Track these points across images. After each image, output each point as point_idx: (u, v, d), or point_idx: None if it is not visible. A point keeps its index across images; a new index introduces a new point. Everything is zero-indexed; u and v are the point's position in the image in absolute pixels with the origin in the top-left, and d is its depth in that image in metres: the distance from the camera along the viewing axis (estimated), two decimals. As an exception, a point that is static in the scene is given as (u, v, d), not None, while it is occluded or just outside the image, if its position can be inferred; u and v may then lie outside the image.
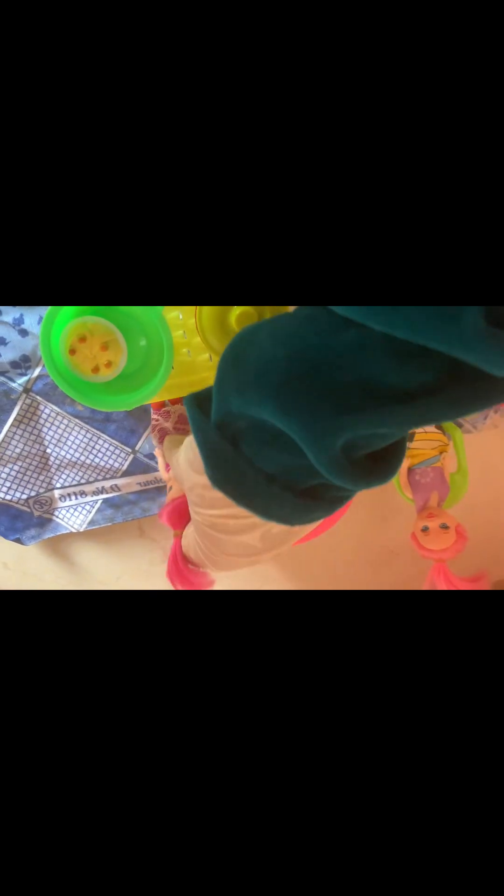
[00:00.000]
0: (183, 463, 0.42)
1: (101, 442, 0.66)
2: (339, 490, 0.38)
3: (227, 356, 0.37)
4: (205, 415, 0.38)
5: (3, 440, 0.64)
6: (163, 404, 0.61)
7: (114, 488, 0.71)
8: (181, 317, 0.52)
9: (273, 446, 0.36)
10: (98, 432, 0.66)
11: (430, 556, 0.60)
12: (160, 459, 0.61)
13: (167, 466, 0.57)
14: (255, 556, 0.44)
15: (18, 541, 0.70)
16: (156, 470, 0.69)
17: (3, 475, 0.66)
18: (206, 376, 0.55)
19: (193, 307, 0.50)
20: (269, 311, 0.48)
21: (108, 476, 0.69)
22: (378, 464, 0.37)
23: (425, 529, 0.60)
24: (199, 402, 0.40)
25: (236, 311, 0.47)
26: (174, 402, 0.62)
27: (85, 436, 0.66)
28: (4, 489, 0.66)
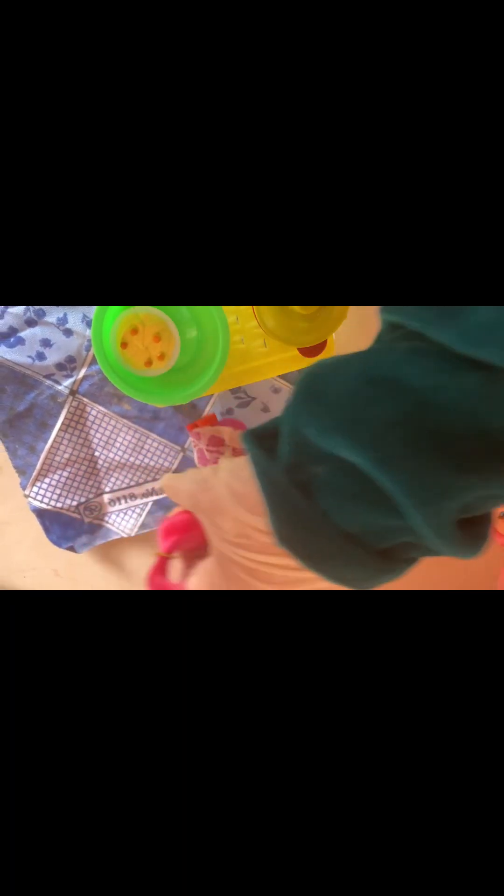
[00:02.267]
0: (226, 494, 0.34)
1: (149, 441, 0.64)
2: (421, 551, 0.32)
3: (303, 389, 0.31)
4: (267, 454, 0.32)
5: (51, 446, 0.62)
6: (194, 425, 0.58)
7: (163, 489, 0.68)
8: (234, 302, 0.50)
9: (359, 501, 0.29)
10: (146, 431, 0.63)
11: (513, 544, 0.55)
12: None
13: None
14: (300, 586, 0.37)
15: (71, 549, 0.68)
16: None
17: (54, 482, 0.64)
18: (260, 364, 0.52)
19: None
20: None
21: (157, 476, 0.67)
22: (475, 528, 0.31)
23: (503, 516, 0.55)
24: (259, 439, 0.33)
25: (299, 289, 0.43)
26: (202, 422, 0.58)
27: (133, 436, 0.63)
28: (55, 496, 0.65)
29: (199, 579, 0.39)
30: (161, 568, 0.41)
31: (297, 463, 0.31)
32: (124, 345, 0.47)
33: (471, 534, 0.30)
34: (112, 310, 0.46)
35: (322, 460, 0.30)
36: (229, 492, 0.34)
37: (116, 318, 0.46)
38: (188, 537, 0.39)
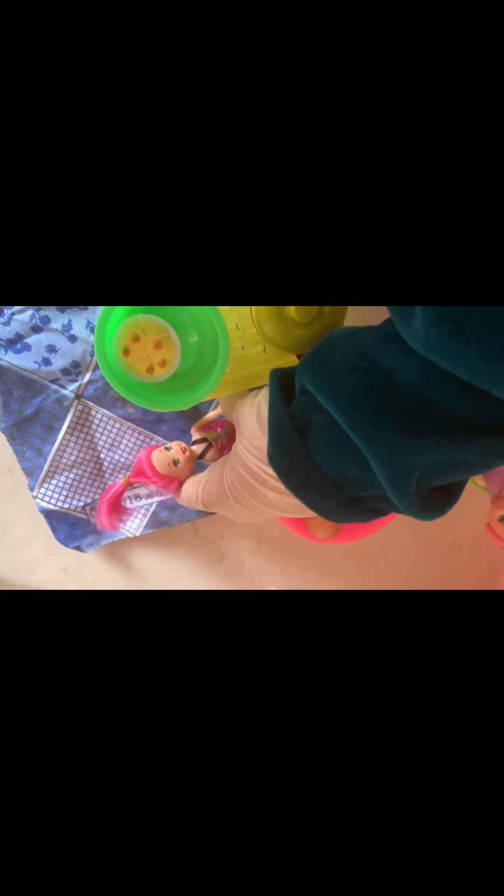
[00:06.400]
0: (252, 417, 0.43)
1: (153, 444, 0.65)
2: (384, 503, 0.39)
3: (314, 354, 0.38)
4: (284, 394, 0.39)
5: (58, 449, 0.63)
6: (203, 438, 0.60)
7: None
8: (233, 308, 0.50)
9: (337, 451, 0.36)
10: (150, 433, 0.64)
11: (511, 546, 0.56)
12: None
13: (222, 453, 0.59)
14: (279, 514, 0.45)
15: (78, 548, 0.70)
16: (209, 469, 0.68)
17: (60, 484, 0.66)
18: (260, 370, 0.53)
19: (247, 297, 0.48)
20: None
21: (161, 478, 0.68)
22: (443, 496, 0.38)
23: (503, 519, 0.55)
24: (282, 380, 0.41)
25: (296, 298, 0.44)
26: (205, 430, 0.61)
27: (138, 438, 0.65)
28: (62, 498, 0.66)
29: (197, 477, 0.54)
30: (121, 492, 0.60)
31: (299, 408, 0.38)
32: (126, 352, 0.48)
33: (438, 500, 0.37)
34: (114, 318, 0.47)
35: (318, 410, 0.36)
36: (256, 416, 0.43)
37: (118, 325, 0.47)
38: (146, 478, 0.57)
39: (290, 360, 0.51)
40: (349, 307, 0.46)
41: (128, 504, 0.66)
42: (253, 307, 0.46)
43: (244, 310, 0.49)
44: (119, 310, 0.47)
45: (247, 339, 0.51)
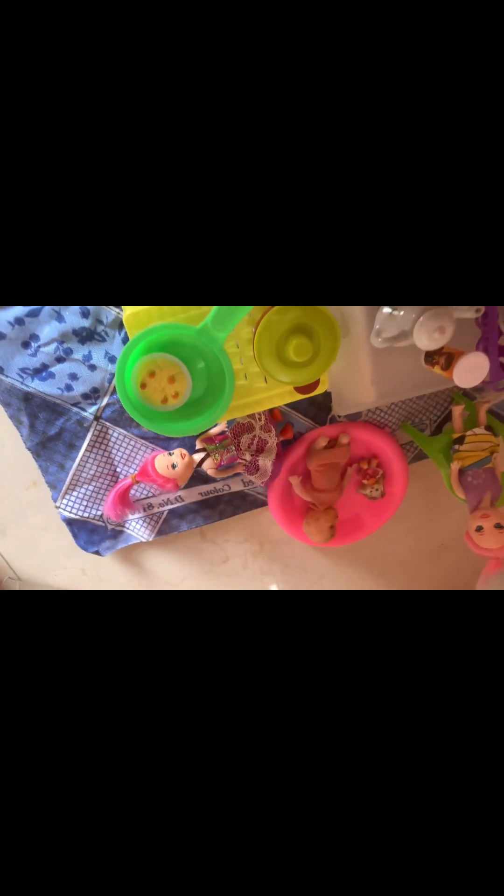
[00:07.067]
0: None
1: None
2: None
3: None
4: None
5: (78, 464, 0.70)
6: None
7: (178, 499, 0.76)
8: (238, 345, 0.56)
9: None
10: (162, 450, 0.71)
11: (486, 554, 0.62)
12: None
13: (216, 466, 0.68)
14: None
15: (97, 553, 0.77)
16: (214, 481, 0.74)
17: (81, 495, 0.72)
18: (261, 398, 0.59)
19: (251, 338, 0.54)
20: (324, 345, 0.51)
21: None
22: None
23: (479, 529, 0.62)
24: None
25: (293, 343, 0.50)
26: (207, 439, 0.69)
27: (150, 454, 0.71)
28: (82, 507, 0.73)
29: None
30: (128, 487, 0.68)
31: None
32: (143, 385, 0.54)
33: None
34: (133, 355, 0.53)
35: None
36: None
37: (136, 362, 0.53)
38: (149, 477, 0.66)
39: (287, 389, 0.57)
40: (338, 352, 0.52)
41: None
42: (255, 346, 0.52)
43: (248, 349, 0.55)
44: (137, 349, 0.53)
45: (250, 372, 0.58)
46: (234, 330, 0.50)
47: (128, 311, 0.53)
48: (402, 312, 0.50)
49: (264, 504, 0.78)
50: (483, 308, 0.48)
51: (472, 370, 0.49)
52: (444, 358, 0.52)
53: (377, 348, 0.53)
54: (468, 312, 0.48)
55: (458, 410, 0.65)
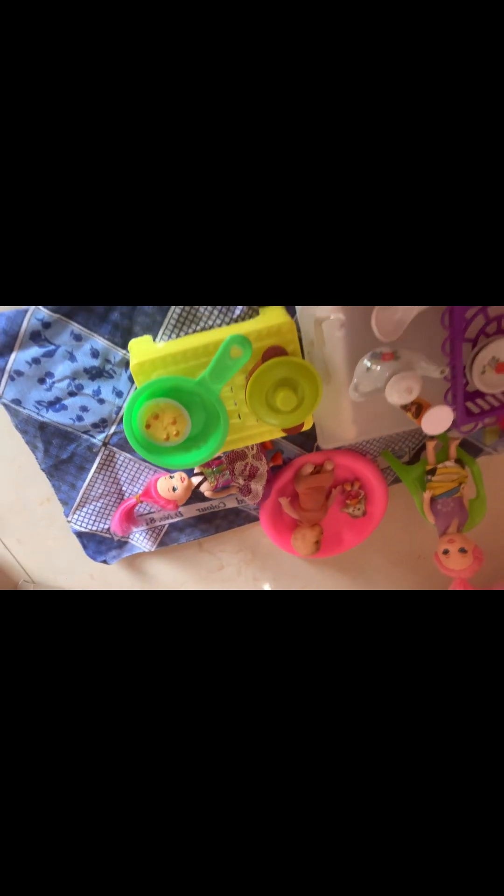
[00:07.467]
0: None
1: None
2: None
3: None
4: None
5: (88, 484, 0.77)
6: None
7: (178, 514, 0.84)
8: (232, 390, 0.63)
9: None
10: (163, 472, 0.78)
11: (451, 574, 0.70)
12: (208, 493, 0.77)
13: (213, 488, 0.76)
14: None
15: (104, 562, 0.85)
16: (210, 500, 0.82)
17: (90, 511, 0.80)
18: (252, 433, 0.66)
19: (244, 384, 0.60)
20: (308, 394, 0.58)
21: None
22: None
23: (446, 552, 0.69)
24: None
25: (280, 395, 0.57)
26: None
27: (153, 475, 0.78)
28: (91, 522, 0.81)
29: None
30: (133, 506, 0.77)
31: None
32: (148, 426, 0.61)
33: None
34: (140, 401, 0.60)
35: None
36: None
37: (142, 406, 0.60)
38: (152, 498, 0.74)
39: (276, 429, 0.64)
40: (322, 396, 0.58)
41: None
42: (247, 395, 0.59)
43: (241, 394, 0.62)
44: (143, 395, 0.60)
45: (243, 413, 0.64)
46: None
47: (134, 361, 0.60)
48: (378, 367, 0.57)
49: (256, 519, 0.86)
50: (447, 369, 0.55)
51: (437, 420, 0.56)
52: (416, 407, 0.58)
53: (356, 396, 0.59)
54: (434, 373, 0.55)
55: (431, 445, 0.72)
